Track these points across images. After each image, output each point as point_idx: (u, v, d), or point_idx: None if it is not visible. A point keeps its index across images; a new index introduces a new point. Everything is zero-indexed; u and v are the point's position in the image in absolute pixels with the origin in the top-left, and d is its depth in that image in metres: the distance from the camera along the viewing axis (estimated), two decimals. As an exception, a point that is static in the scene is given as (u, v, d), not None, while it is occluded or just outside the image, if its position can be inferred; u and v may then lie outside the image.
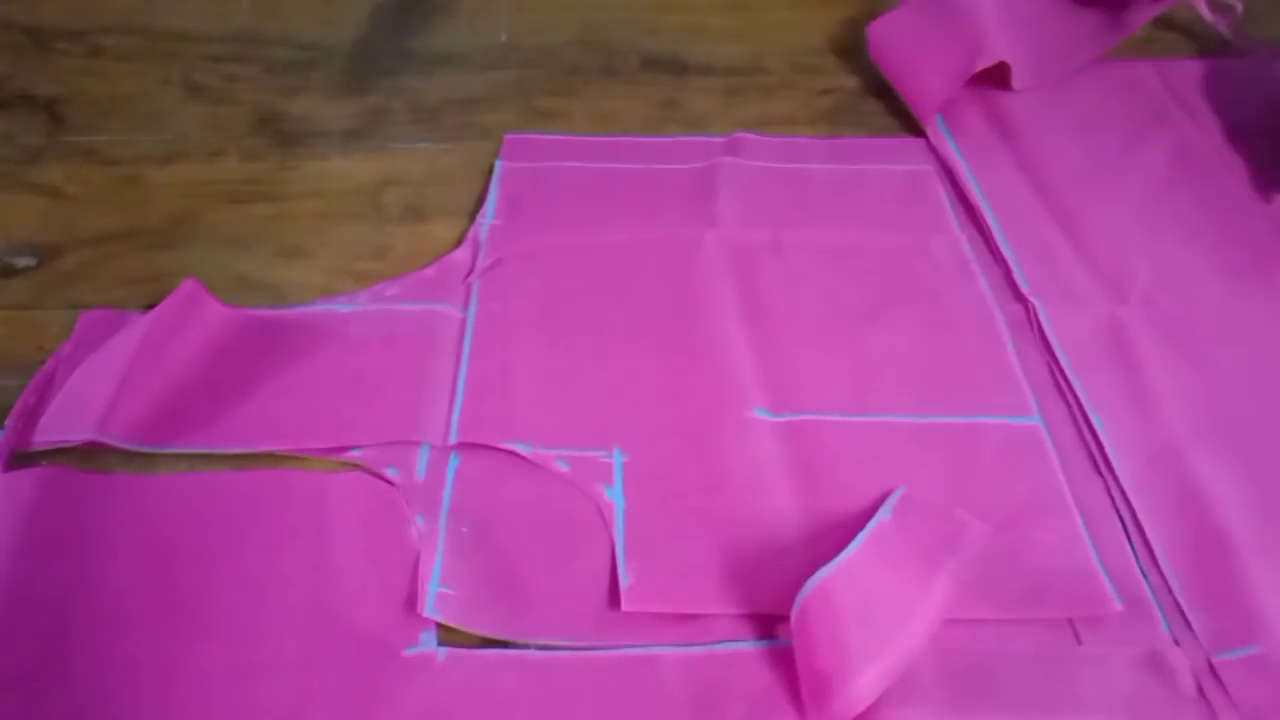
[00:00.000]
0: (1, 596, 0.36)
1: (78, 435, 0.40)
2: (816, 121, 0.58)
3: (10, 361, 0.44)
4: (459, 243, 0.50)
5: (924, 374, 0.44)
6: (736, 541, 0.38)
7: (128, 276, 0.48)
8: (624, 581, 0.37)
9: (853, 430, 0.42)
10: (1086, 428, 0.42)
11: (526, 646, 0.36)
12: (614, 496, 0.40)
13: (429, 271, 0.48)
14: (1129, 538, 0.39)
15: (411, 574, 0.37)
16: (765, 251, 0.49)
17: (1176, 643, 0.36)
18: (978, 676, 0.34)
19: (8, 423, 0.41)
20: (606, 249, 0.49)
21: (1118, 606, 0.36)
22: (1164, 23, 0.64)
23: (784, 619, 0.35)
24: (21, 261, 0.49)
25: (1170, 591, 0.37)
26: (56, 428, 0.41)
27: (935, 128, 0.56)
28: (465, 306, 0.46)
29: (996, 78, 0.57)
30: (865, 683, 0.32)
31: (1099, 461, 0.41)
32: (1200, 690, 0.34)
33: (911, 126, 0.57)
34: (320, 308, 0.46)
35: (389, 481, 0.40)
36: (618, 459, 0.41)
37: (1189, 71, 0.60)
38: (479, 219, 0.51)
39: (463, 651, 0.35)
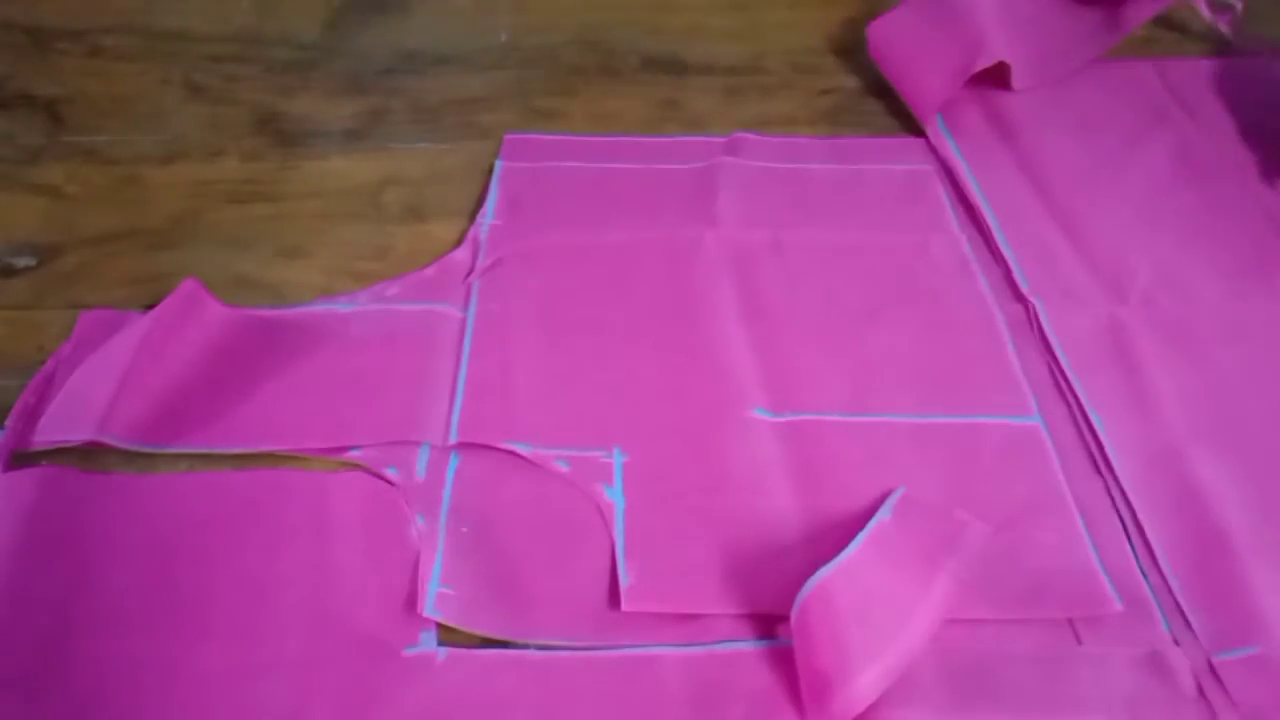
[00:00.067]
0: (1, 596, 0.36)
1: (78, 435, 0.40)
2: (816, 121, 0.58)
3: (10, 361, 0.44)
4: (459, 243, 0.50)
5: (924, 374, 0.44)
6: (736, 541, 0.38)
7: (128, 276, 0.48)
8: (624, 581, 0.37)
9: (853, 430, 0.42)
10: (1086, 428, 0.42)
11: (526, 646, 0.36)
12: (614, 496, 0.40)
13: (429, 271, 0.48)
14: (1129, 538, 0.39)
15: (411, 574, 0.37)
16: (765, 251, 0.49)
17: (1176, 643, 0.36)
18: (978, 676, 0.34)
19: (8, 423, 0.41)
20: (606, 249, 0.49)
21: (1118, 606, 0.36)
22: (1164, 22, 0.64)
23: (784, 619, 0.35)
24: (21, 261, 0.49)
25: (1170, 591, 0.37)
26: (56, 428, 0.41)
27: (935, 128, 0.56)
28: (465, 306, 0.46)
29: (996, 77, 0.57)
30: (865, 683, 0.32)
31: (1099, 461, 0.41)
32: (1200, 690, 0.34)
33: (911, 126, 0.57)
34: (320, 308, 0.46)
35: (389, 481, 0.40)
36: (618, 459, 0.41)
37: (1189, 71, 0.60)
38: (479, 219, 0.51)
39: (463, 651, 0.35)
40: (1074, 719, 0.33)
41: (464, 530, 0.38)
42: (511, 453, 0.41)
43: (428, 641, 0.36)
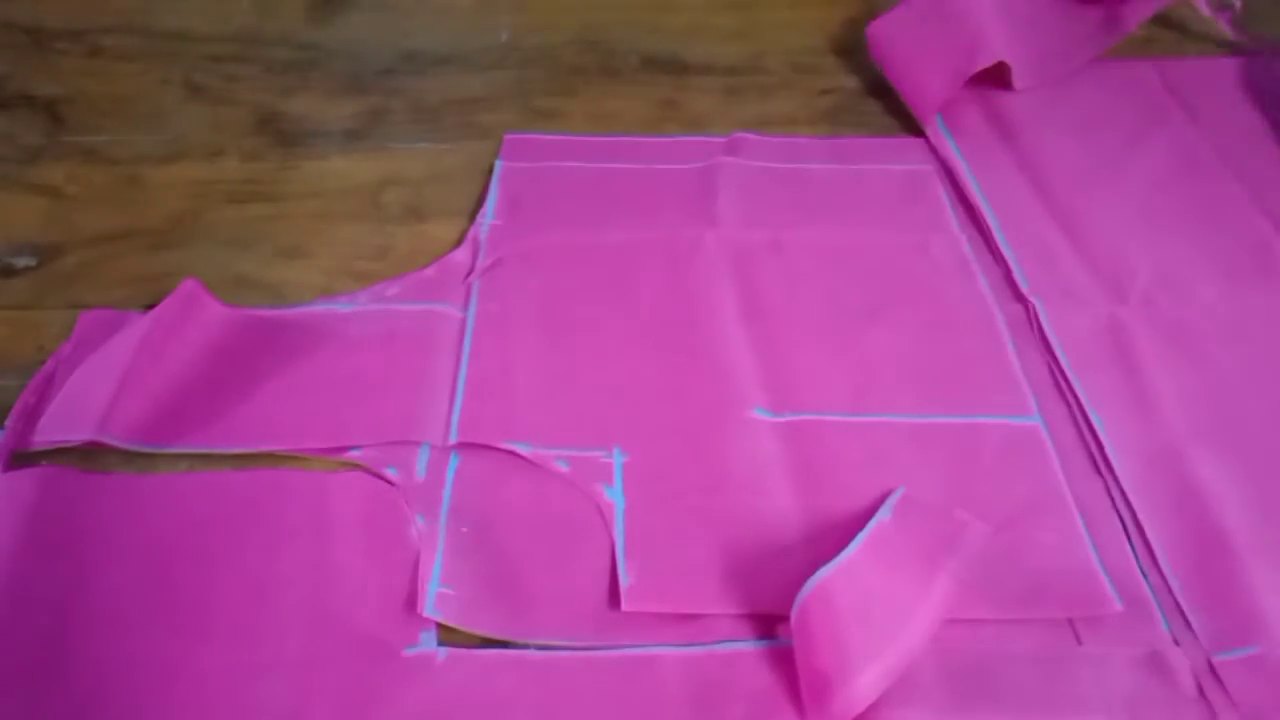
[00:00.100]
0: (1, 596, 0.36)
1: (78, 435, 0.40)
2: (816, 121, 0.58)
3: (10, 361, 0.44)
4: (459, 243, 0.50)
5: (924, 374, 0.44)
6: (736, 541, 0.38)
7: (128, 276, 0.48)
8: (624, 581, 0.37)
9: (853, 430, 0.42)
10: (1086, 428, 0.42)
11: (526, 646, 0.36)
12: (614, 496, 0.40)
13: (429, 271, 0.48)
14: (1129, 538, 0.39)
15: (411, 574, 0.37)
16: (765, 251, 0.49)
17: (1176, 643, 0.36)
18: (978, 676, 0.34)
19: (8, 423, 0.41)
20: (606, 249, 0.49)
21: (1118, 606, 0.36)
22: (1164, 22, 0.64)
23: (784, 619, 0.35)
24: (21, 261, 0.49)
25: (1170, 591, 0.37)
26: (56, 428, 0.41)
27: (935, 128, 0.56)
28: (465, 306, 0.46)
29: (996, 77, 0.57)
30: (865, 683, 0.32)
31: (1099, 461, 0.41)
32: (1200, 690, 0.34)
33: (911, 126, 0.57)
34: (320, 308, 0.46)
35: (389, 481, 0.40)
36: (618, 459, 0.41)
37: (1189, 71, 0.60)
38: (479, 219, 0.51)
39: (463, 651, 0.35)
40: (1074, 719, 0.33)
41: (464, 530, 0.38)
42: (511, 453, 0.41)
43: (428, 641, 0.36)
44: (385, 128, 0.57)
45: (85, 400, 0.41)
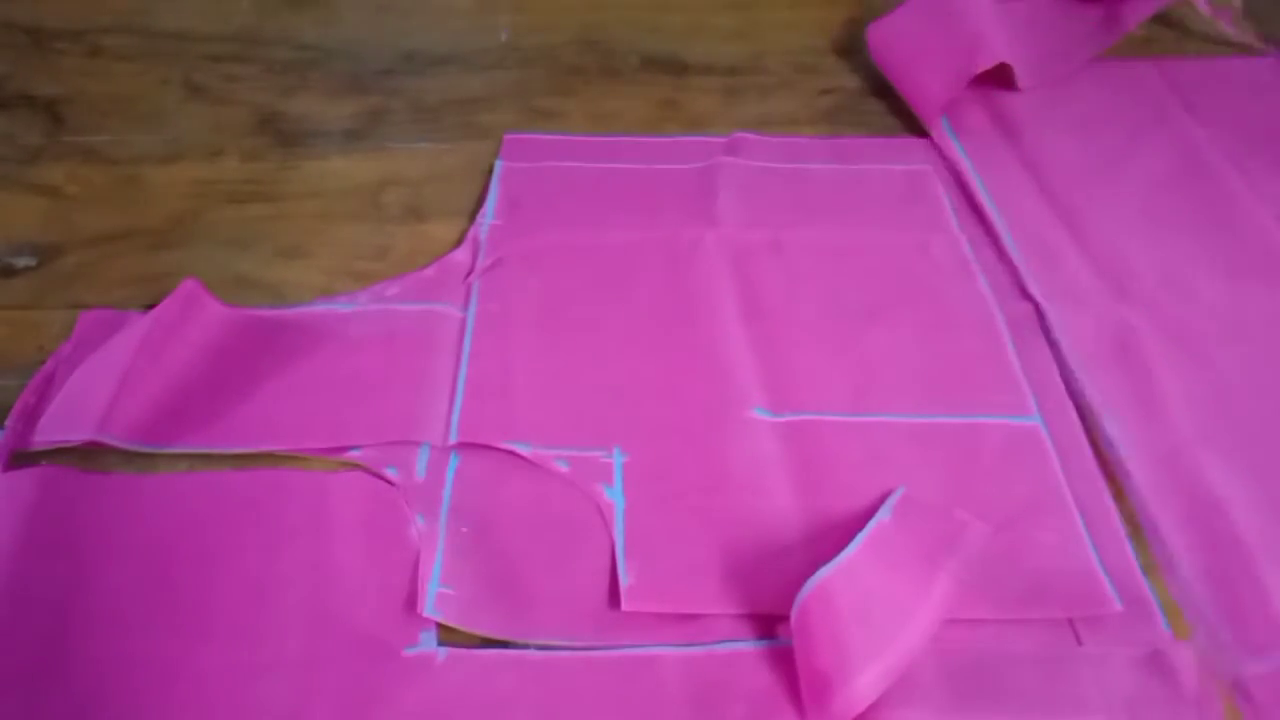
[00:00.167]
0: (1, 596, 0.36)
1: (78, 435, 0.40)
2: (816, 121, 0.58)
3: (10, 361, 0.44)
4: (459, 243, 0.50)
5: (924, 374, 0.44)
6: (736, 541, 0.38)
7: (128, 276, 0.48)
8: (624, 581, 0.37)
9: (853, 430, 0.42)
10: (1098, 430, 0.42)
11: (526, 646, 0.36)
12: (614, 496, 0.40)
13: (429, 271, 0.48)
14: (1132, 539, 0.39)
15: (411, 574, 0.37)
16: (765, 251, 0.49)
17: (1177, 643, 0.36)
18: (978, 676, 0.34)
19: (8, 423, 0.41)
20: (606, 249, 0.49)
21: (1118, 606, 0.36)
22: (1164, 21, 0.64)
23: (784, 619, 0.35)
24: (21, 261, 0.49)
25: (1194, 600, 0.36)
26: (56, 428, 0.41)
27: (940, 128, 0.56)
28: (465, 306, 0.46)
29: (999, 77, 0.57)
30: (865, 683, 0.32)
31: (1108, 462, 0.41)
32: (1200, 693, 0.34)
33: (912, 126, 0.57)
34: (320, 308, 0.46)
35: (389, 481, 0.40)
36: (618, 459, 0.41)
37: (1190, 70, 0.60)
38: (479, 219, 0.51)
39: (463, 651, 0.35)
40: (1074, 719, 0.33)
41: (464, 530, 0.38)
42: (511, 453, 0.41)
43: (428, 641, 0.36)
44: (385, 128, 0.57)
45: (85, 400, 0.41)
